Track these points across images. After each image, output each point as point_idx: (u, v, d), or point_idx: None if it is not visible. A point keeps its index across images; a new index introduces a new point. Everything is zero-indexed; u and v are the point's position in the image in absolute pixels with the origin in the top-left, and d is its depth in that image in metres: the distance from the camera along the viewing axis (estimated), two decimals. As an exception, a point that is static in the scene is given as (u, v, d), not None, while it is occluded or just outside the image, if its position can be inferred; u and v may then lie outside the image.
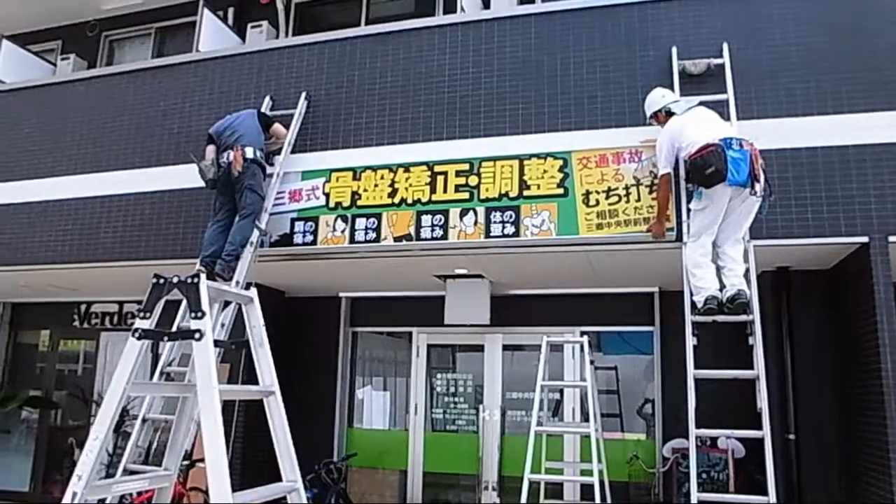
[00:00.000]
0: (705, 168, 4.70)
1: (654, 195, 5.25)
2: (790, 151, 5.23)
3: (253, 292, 3.57)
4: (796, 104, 5.31)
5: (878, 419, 4.79)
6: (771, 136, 5.20)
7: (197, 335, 3.05)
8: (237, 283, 5.50)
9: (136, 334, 3.16)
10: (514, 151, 5.66)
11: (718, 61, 5.48)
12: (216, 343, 3.37)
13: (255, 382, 3.52)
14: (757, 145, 4.94)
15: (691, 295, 4.94)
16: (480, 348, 7.78)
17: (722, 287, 4.87)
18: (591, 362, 5.91)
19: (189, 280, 3.15)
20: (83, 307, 9.18)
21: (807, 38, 5.44)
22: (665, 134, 5.11)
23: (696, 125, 4.97)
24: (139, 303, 3.28)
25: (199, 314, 3.08)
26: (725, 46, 5.51)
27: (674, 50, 5.59)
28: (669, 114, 5.21)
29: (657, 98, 5.29)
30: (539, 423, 5.60)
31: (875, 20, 5.39)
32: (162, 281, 3.24)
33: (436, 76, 6.08)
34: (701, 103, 5.25)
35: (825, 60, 5.33)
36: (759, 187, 4.66)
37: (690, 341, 4.84)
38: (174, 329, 4.55)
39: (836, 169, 5.13)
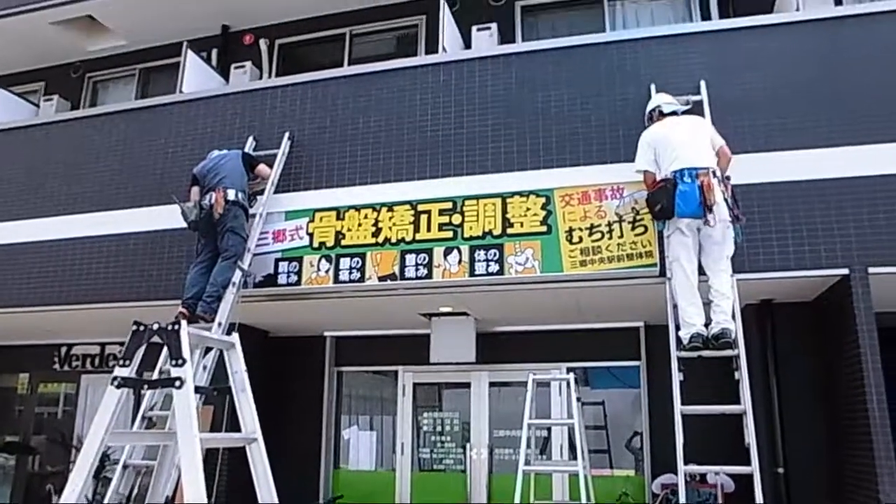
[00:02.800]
0: (654, 205, 4.98)
1: (637, 231, 5.34)
2: (770, 185, 5.31)
3: (235, 338, 3.53)
4: (774, 139, 5.40)
5: (866, 452, 4.78)
6: (751, 170, 5.28)
7: (177, 383, 3.00)
8: (219, 324, 5.44)
9: (116, 382, 3.11)
10: (497, 189, 5.69)
11: (696, 98, 5.56)
12: (197, 389, 3.32)
13: (239, 426, 3.47)
14: (737, 179, 5.08)
15: (677, 330, 4.95)
16: (467, 386, 7.73)
17: (708, 322, 4.88)
18: (578, 399, 5.88)
19: (170, 327, 3.12)
20: (63, 349, 9.03)
21: (782, 74, 5.54)
22: (646, 136, 5.24)
23: (675, 141, 5.03)
24: (121, 344, 3.24)
25: (180, 361, 3.04)
26: (703, 84, 5.60)
27: (653, 87, 5.66)
28: (661, 114, 5.34)
29: (653, 100, 5.46)
30: (527, 462, 5.54)
31: (846, 57, 5.52)
32: (142, 328, 3.20)
33: (418, 115, 6.13)
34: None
35: (801, 96, 5.44)
36: (711, 218, 4.76)
37: (677, 377, 4.84)
38: (156, 373, 4.48)
39: (815, 202, 5.20)
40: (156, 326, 3.16)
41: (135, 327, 3.21)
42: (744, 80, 5.60)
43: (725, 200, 4.85)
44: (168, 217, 6.26)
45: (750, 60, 5.66)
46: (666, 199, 4.85)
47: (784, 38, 5.72)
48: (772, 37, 5.74)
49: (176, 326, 3.10)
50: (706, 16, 7.26)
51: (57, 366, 9.04)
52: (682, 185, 4.82)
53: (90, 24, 9.04)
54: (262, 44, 8.56)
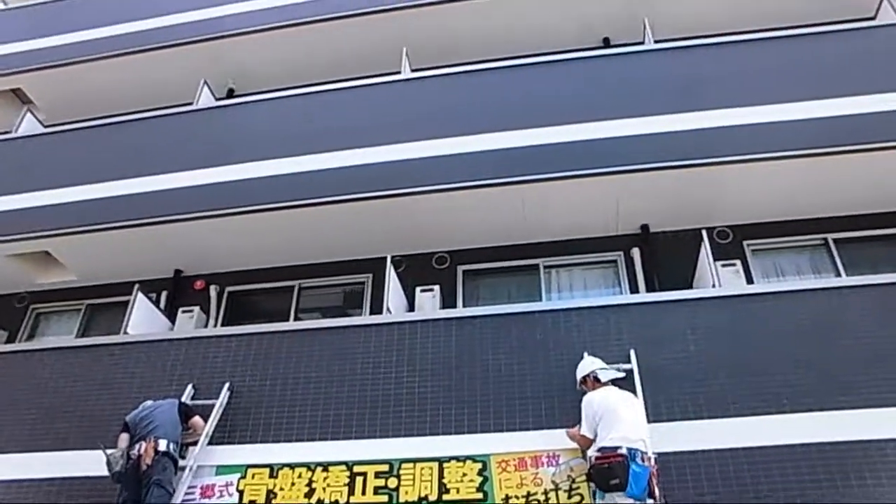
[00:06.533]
0: (610, 478, 4.91)
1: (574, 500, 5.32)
2: (702, 453, 5.44)
3: None
4: (699, 407, 5.66)
5: None
6: (678, 438, 5.46)
7: None
8: (128, 591, 5.04)
9: None
10: (434, 453, 5.69)
11: (627, 366, 5.84)
12: None
13: None
14: (665, 447, 5.24)
15: None
16: None
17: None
18: None
19: None
20: None
21: (703, 345, 5.97)
22: (593, 402, 5.32)
23: (622, 411, 5.17)
24: None
25: None
26: (633, 352, 5.95)
27: (585, 354, 5.93)
28: (597, 379, 5.52)
29: (587, 364, 5.65)
30: None
31: (758, 330, 6.00)
32: None
33: (359, 373, 6.26)
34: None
35: (721, 367, 5.82)
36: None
37: None
38: None
39: (745, 470, 5.29)
40: None
41: None
42: (669, 350, 5.98)
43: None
44: (90, 464, 5.97)
45: (674, 332, 6.09)
46: (623, 475, 4.85)
47: (703, 311, 6.26)
48: (692, 310, 6.27)
49: None
50: (633, 286, 7.81)
51: None
52: (635, 466, 4.87)
53: (44, 259, 9.18)
54: (213, 290, 8.72)
